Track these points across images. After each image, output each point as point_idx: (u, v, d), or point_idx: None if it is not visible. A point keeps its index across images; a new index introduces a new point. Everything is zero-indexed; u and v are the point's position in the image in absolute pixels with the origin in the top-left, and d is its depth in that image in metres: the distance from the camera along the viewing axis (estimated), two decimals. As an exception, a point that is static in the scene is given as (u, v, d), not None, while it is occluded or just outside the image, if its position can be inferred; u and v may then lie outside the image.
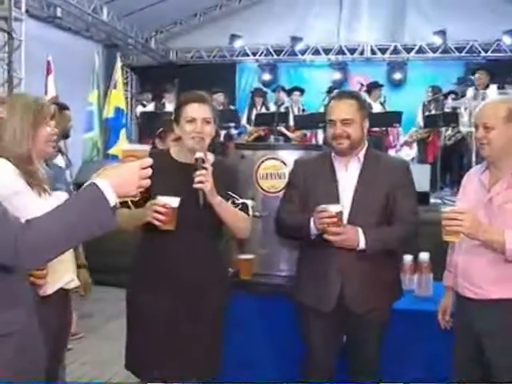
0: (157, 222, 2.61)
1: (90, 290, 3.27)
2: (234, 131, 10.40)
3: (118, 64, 10.70)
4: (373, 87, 10.38)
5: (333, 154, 3.06)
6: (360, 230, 2.83)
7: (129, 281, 2.96)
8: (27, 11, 9.58)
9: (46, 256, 1.84)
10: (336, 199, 2.89)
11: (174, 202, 2.59)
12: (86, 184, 1.81)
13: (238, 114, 10.55)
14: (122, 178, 1.86)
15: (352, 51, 12.97)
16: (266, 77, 13.46)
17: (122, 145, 2.29)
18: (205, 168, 2.68)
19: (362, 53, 12.94)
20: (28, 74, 8.76)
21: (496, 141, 2.67)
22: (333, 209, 2.75)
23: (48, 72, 8.96)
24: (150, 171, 1.90)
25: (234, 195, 2.89)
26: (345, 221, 2.82)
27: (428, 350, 3.26)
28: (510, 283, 2.65)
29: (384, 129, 9.74)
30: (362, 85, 10.48)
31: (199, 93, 2.87)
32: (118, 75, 10.41)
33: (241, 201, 2.90)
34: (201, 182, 2.65)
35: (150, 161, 1.92)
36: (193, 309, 2.81)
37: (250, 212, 2.94)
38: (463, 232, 2.53)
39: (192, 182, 2.65)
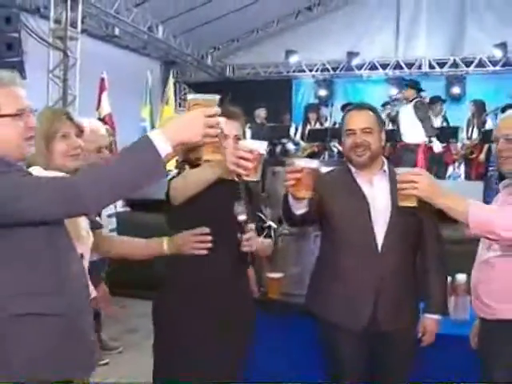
0: (242, 171, 2.29)
1: (110, 303, 3.22)
2: (291, 146, 10.35)
3: (171, 80, 10.85)
4: (434, 101, 10.18)
5: (353, 169, 2.89)
6: None
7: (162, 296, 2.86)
8: (86, 30, 9.87)
9: (105, 199, 1.89)
10: (368, 218, 2.79)
11: (261, 147, 2.29)
12: None
13: (289, 130, 10.51)
14: (182, 124, 1.88)
15: (409, 66, 12.77)
16: (322, 92, 13.37)
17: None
18: (249, 230, 2.62)
19: (419, 67, 12.73)
20: (83, 92, 8.89)
21: None
22: (299, 163, 2.47)
23: (102, 89, 9.08)
24: (217, 120, 1.89)
25: (262, 216, 2.83)
26: (379, 246, 2.77)
27: (463, 377, 3.05)
28: None
29: (445, 144, 9.49)
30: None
31: (230, 109, 2.75)
32: (170, 91, 10.54)
33: (268, 224, 2.84)
34: (249, 246, 2.61)
35: (217, 109, 1.90)
36: (220, 331, 2.68)
37: (273, 235, 2.87)
38: (418, 195, 2.36)
39: (229, 200, 2.58)
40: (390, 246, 2.76)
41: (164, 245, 2.66)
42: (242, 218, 2.58)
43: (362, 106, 2.96)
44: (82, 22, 9.41)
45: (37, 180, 1.92)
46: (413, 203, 2.40)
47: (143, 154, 1.82)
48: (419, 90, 9.50)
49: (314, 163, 2.47)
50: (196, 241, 2.55)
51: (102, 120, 8.32)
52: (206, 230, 2.50)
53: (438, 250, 2.88)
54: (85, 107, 8.74)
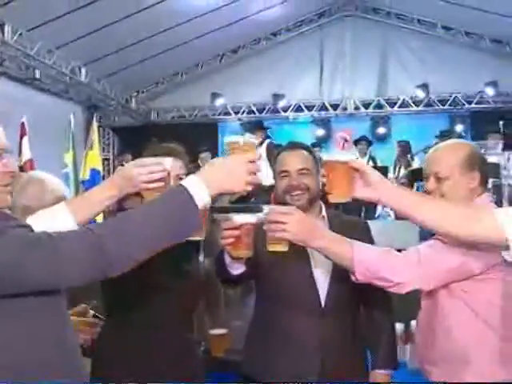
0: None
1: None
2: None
3: (95, 124, 10.56)
4: (359, 141, 10.33)
5: None
6: None
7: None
8: (4, 73, 9.56)
9: (133, 257, 1.61)
10: (309, 271, 2.58)
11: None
12: None
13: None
14: (225, 171, 1.71)
15: (335, 107, 12.87)
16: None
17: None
18: None
19: (345, 108, 12.84)
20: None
21: (451, 193, 2.27)
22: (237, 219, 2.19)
23: (22, 134, 8.72)
24: (259, 166, 1.76)
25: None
26: (322, 302, 2.56)
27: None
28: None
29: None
30: (346, 140, 10.32)
31: (171, 146, 2.61)
32: (94, 136, 10.25)
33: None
34: None
35: (258, 154, 1.79)
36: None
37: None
38: (289, 238, 2.09)
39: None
40: (333, 301, 2.56)
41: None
42: None
43: (296, 145, 2.74)
44: (1, 64, 9.11)
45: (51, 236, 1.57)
46: (284, 248, 2.13)
47: (177, 204, 1.63)
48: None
49: (253, 218, 2.17)
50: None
51: (22, 167, 8.01)
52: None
53: (382, 294, 2.50)
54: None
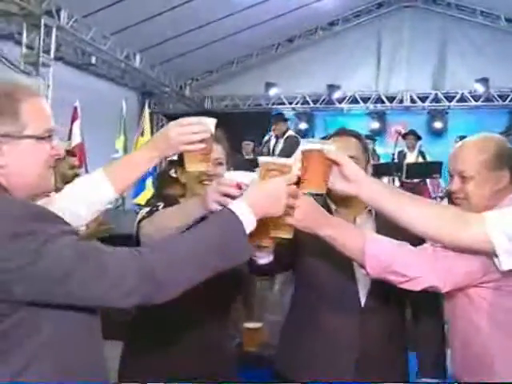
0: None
1: None
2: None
3: (146, 111, 10.51)
4: (408, 135, 10.15)
5: (333, 207, 2.45)
6: None
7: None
8: (61, 58, 9.73)
9: (181, 283, 1.55)
10: (351, 273, 2.38)
11: (246, 177, 1.90)
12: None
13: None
14: (267, 197, 1.68)
15: (391, 99, 12.69)
16: (303, 126, 13.23)
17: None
18: None
19: (401, 101, 12.65)
20: (56, 120, 8.49)
21: (476, 194, 2.08)
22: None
23: (74, 118, 8.78)
24: (296, 189, 1.75)
25: None
26: (362, 302, 2.38)
27: None
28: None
29: (420, 180, 9.32)
30: (400, 133, 10.08)
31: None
32: (145, 122, 10.23)
33: None
34: None
35: (296, 176, 1.76)
36: None
37: None
38: (295, 224, 1.90)
39: None
40: (374, 301, 2.40)
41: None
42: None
43: (344, 132, 2.54)
44: (57, 50, 9.23)
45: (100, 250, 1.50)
46: (287, 234, 1.92)
47: (229, 231, 1.58)
48: None
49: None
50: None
51: (70, 151, 8.08)
52: None
53: (430, 293, 2.23)
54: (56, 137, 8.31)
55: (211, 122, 1.95)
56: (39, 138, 1.59)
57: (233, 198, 1.82)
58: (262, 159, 1.82)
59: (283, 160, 1.82)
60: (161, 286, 1.48)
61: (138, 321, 2.50)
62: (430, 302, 2.45)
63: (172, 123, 1.96)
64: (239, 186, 1.86)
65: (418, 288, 1.98)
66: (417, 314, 2.55)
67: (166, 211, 2.21)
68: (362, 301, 2.39)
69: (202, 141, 1.93)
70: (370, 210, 2.44)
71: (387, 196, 1.91)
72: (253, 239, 1.91)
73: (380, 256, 1.96)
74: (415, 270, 1.96)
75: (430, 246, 2.02)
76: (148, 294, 1.47)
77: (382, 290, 2.30)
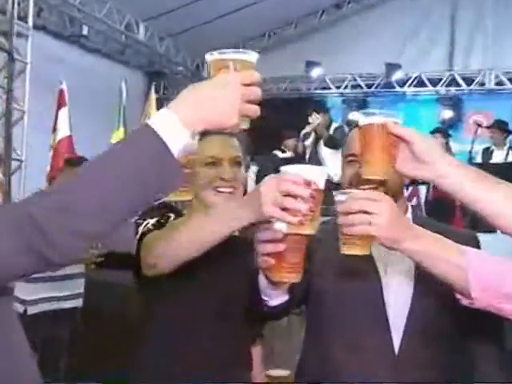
0: (291, 218, 1.85)
1: None
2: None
3: (153, 96, 10.41)
4: (493, 127, 9.92)
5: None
6: None
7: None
8: (43, 27, 9.77)
9: (83, 240, 1.47)
10: (381, 312, 2.34)
11: (320, 177, 1.88)
12: None
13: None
14: (209, 98, 1.55)
15: (469, 81, 12.44)
16: (353, 115, 12.78)
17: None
18: None
19: (482, 84, 12.40)
20: (34, 107, 8.64)
21: None
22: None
23: (60, 105, 8.64)
24: (257, 91, 1.62)
25: None
26: (395, 348, 2.31)
27: None
28: None
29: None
30: (480, 125, 9.67)
31: None
32: (151, 110, 9.99)
33: None
34: None
35: (257, 75, 1.65)
36: None
37: None
38: (375, 235, 1.82)
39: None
40: (412, 346, 2.32)
41: None
42: None
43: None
44: (38, 16, 9.33)
45: None
46: (364, 250, 1.90)
47: (145, 155, 1.47)
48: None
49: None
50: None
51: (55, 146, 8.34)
52: None
53: (491, 329, 2.31)
54: (36, 127, 8.52)
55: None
56: None
57: (299, 198, 1.81)
58: (209, 55, 1.76)
59: (242, 53, 1.72)
60: (54, 239, 1.43)
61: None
62: (494, 343, 2.42)
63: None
64: (308, 184, 1.82)
65: None
66: (475, 362, 2.45)
67: (182, 224, 2.22)
68: (396, 348, 2.36)
69: None
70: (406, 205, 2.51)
71: (476, 184, 1.83)
72: (274, 271, 1.96)
73: (485, 275, 1.87)
74: None
75: None
76: (37, 251, 1.44)
77: (423, 329, 2.32)
